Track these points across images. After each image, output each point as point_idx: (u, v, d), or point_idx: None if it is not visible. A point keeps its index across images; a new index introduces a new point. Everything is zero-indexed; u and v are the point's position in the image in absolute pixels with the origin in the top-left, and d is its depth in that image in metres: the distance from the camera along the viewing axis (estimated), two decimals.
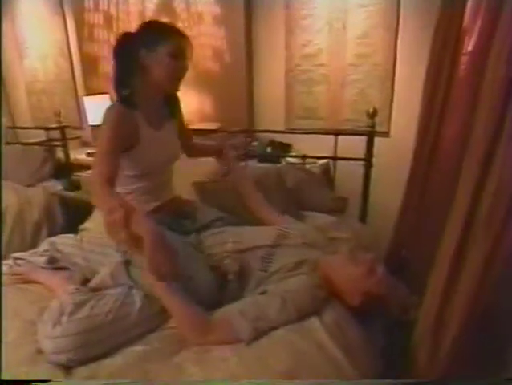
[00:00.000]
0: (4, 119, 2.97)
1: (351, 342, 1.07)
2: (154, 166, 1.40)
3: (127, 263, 1.21)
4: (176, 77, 1.29)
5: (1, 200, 2.15)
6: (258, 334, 1.00)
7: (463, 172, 0.97)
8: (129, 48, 1.25)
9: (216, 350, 0.98)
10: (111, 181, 1.15)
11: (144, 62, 1.25)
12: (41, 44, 3.41)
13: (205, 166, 1.91)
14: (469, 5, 1.22)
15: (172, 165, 1.53)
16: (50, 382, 0.89)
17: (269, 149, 2.41)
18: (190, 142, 1.67)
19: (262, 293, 1.12)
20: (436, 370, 1.13)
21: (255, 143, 2.46)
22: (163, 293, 1.07)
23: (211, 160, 1.74)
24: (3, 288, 1.28)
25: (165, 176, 1.51)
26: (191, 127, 2.53)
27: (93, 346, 1.00)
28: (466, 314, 1.00)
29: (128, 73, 1.27)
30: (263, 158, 2.37)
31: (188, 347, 1.01)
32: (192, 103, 2.82)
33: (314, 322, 1.07)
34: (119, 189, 1.27)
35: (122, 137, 1.23)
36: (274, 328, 1.03)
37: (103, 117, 1.23)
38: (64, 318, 1.00)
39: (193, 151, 1.70)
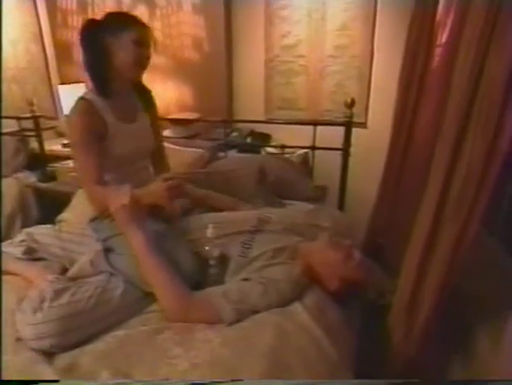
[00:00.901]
0: None
1: (331, 323, 1.11)
2: (125, 158, 1.40)
3: (107, 251, 1.20)
4: (140, 64, 1.33)
5: (0, 197, 2.09)
6: (239, 317, 1.03)
7: (435, 159, 1.01)
8: (95, 34, 1.28)
9: (199, 331, 0.99)
10: (100, 179, 1.24)
11: (108, 48, 1.28)
12: (10, 29, 3.26)
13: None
14: None
15: (147, 155, 1.53)
16: (49, 383, 0.89)
17: (248, 139, 2.42)
18: (160, 159, 1.63)
19: (245, 280, 1.15)
20: (410, 348, 1.19)
21: (235, 134, 2.46)
22: (149, 264, 1.08)
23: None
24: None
25: (140, 165, 1.50)
26: (170, 116, 2.51)
27: (75, 332, 0.99)
28: (437, 295, 1.05)
29: (96, 59, 1.30)
30: (243, 148, 2.38)
31: (171, 328, 1.02)
32: (171, 92, 2.79)
33: (296, 306, 1.10)
34: None
35: (91, 132, 1.27)
36: (256, 312, 1.05)
37: (70, 116, 1.29)
38: (45, 304, 0.99)
39: (160, 171, 1.60)
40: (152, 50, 1.34)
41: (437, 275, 1.02)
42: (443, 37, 1.26)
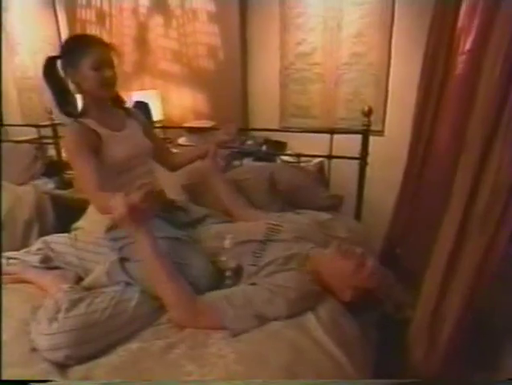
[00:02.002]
0: None
1: (348, 337, 1.07)
2: (123, 164, 1.41)
3: (122, 260, 1.20)
4: (104, 85, 1.32)
5: (0, 199, 2.12)
6: (244, 324, 1.01)
7: (459, 170, 0.97)
8: (56, 71, 1.32)
9: (213, 345, 0.97)
10: (102, 186, 1.24)
11: (72, 79, 1.31)
12: (32, 40, 3.36)
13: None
14: (466, 3, 1.22)
15: (146, 159, 1.53)
16: (49, 383, 0.88)
17: (263, 147, 2.40)
18: (166, 154, 1.68)
19: (253, 284, 1.12)
20: (431, 366, 1.14)
21: (250, 142, 2.45)
22: (157, 268, 1.06)
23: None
24: (2, 288, 1.26)
25: (141, 171, 1.49)
26: (185, 125, 2.52)
27: (90, 343, 0.99)
28: (462, 310, 1.01)
29: (63, 92, 1.34)
30: (258, 156, 2.37)
31: (184, 342, 1.00)
32: (186, 100, 2.80)
33: (310, 318, 1.07)
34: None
35: (87, 146, 1.29)
36: (265, 321, 1.03)
37: (65, 138, 1.33)
38: (61, 315, 0.99)
39: (174, 163, 1.68)
40: (115, 66, 1.34)
41: (462, 291, 0.98)
42: (466, 44, 1.22)
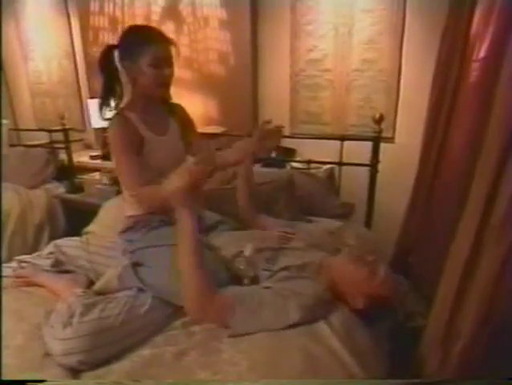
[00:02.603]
0: (5, 121, 2.95)
1: (361, 347, 1.06)
2: (160, 169, 1.38)
3: (135, 265, 1.20)
4: (161, 84, 1.30)
5: (0, 200, 2.14)
6: (247, 329, 1.02)
7: (476, 178, 0.96)
8: (112, 60, 1.29)
9: (225, 353, 0.97)
10: (144, 182, 1.24)
11: (128, 72, 1.28)
12: (45, 46, 3.41)
13: None
14: (481, 10, 1.21)
15: (179, 165, 1.52)
16: (46, 382, 0.88)
17: (273, 154, 2.40)
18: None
19: (268, 288, 1.11)
20: (444, 376, 1.11)
21: None
22: (191, 252, 1.06)
23: None
24: (7, 291, 1.27)
25: None
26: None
27: (103, 348, 0.98)
28: (478, 323, 0.98)
29: (113, 84, 1.32)
30: (267, 162, 2.36)
31: (196, 349, 0.99)
32: (196, 106, 2.82)
33: (323, 327, 1.06)
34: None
35: (130, 142, 1.27)
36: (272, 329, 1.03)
37: (109, 130, 1.29)
38: (75, 320, 0.99)
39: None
40: (174, 64, 1.31)
41: (478, 303, 0.95)
42: (481, 51, 1.21)
